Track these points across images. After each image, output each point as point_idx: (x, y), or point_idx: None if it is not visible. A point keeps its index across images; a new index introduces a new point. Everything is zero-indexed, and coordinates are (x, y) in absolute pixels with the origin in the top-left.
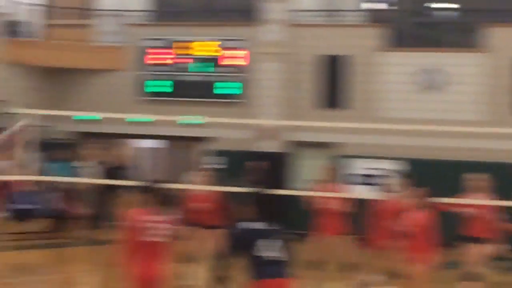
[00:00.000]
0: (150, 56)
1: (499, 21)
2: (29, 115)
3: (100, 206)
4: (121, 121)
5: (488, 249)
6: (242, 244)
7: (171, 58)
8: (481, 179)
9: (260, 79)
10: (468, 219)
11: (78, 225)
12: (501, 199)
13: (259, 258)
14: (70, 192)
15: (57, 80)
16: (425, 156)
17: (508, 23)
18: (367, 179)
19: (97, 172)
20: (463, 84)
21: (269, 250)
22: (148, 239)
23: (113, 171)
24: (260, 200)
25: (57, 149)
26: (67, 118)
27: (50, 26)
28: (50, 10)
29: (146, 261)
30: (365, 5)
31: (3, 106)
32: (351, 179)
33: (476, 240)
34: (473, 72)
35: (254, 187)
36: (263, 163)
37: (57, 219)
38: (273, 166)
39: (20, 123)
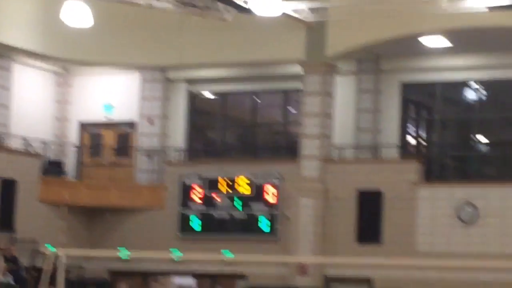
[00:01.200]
0: (186, 194)
1: None
2: (61, 254)
3: None
4: (156, 258)
5: None
6: None
7: (207, 195)
8: None
9: (295, 215)
10: None
11: None
12: None
13: None
14: None
15: (93, 219)
16: None
17: None
18: None
19: None
20: (502, 217)
21: None
22: None
23: None
24: None
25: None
26: (101, 257)
27: (87, 165)
28: (87, 149)
29: None
30: (402, 139)
31: (35, 245)
32: None
33: None
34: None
35: None
36: None
37: None
38: None
39: (51, 262)
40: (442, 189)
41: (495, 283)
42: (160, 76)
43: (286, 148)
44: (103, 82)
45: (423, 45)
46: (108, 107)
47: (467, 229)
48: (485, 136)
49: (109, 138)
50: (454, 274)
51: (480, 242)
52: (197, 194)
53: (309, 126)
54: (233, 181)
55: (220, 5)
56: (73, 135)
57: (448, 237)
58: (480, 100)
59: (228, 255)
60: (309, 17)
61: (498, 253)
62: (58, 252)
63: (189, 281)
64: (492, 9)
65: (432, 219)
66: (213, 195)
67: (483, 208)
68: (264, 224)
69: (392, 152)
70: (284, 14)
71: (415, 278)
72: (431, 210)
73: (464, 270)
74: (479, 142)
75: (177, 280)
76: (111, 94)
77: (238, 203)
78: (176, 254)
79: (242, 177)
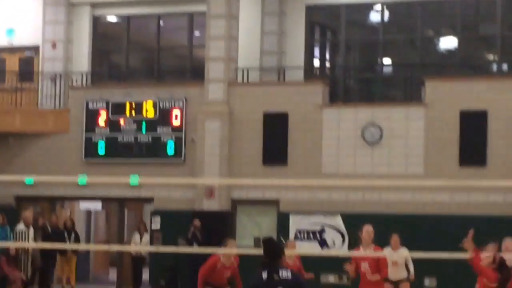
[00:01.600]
0: (91, 118)
1: (440, 75)
2: None
3: (40, 269)
4: (62, 183)
5: None
6: None
7: (112, 120)
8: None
9: (201, 138)
10: None
11: None
12: None
13: None
14: (9, 256)
15: None
16: (369, 210)
17: (449, 76)
18: (312, 235)
19: (36, 236)
20: (406, 138)
21: None
22: None
23: (53, 234)
24: None
25: None
26: (7, 182)
27: None
28: None
29: None
30: (307, 62)
31: None
32: (296, 235)
33: None
34: (416, 125)
35: (190, 245)
36: (197, 221)
37: None
38: (216, 224)
39: None
40: (347, 111)
41: (399, 202)
42: None
43: (191, 71)
44: (5, 6)
45: None
46: (10, 31)
47: (372, 150)
48: (390, 58)
49: (11, 63)
50: (360, 194)
51: (384, 162)
52: (102, 118)
53: (214, 49)
54: (138, 105)
55: None
56: None
57: (353, 158)
58: (384, 22)
59: (134, 179)
60: None
61: (402, 173)
62: None
63: (96, 205)
64: None
65: (337, 141)
66: (118, 119)
67: (388, 129)
68: (170, 147)
69: (298, 75)
70: None
71: (321, 199)
72: (336, 131)
73: (369, 190)
74: (384, 64)
75: (84, 205)
76: (13, 18)
77: (143, 127)
78: (82, 180)
79: (147, 100)
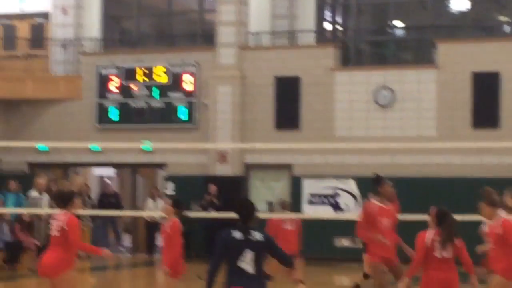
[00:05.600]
0: (103, 84)
1: (452, 37)
2: None
3: None
4: (75, 150)
5: None
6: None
7: (124, 85)
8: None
9: (214, 103)
10: None
11: (32, 256)
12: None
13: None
14: (23, 223)
15: (10, 112)
16: (382, 173)
17: (461, 38)
18: (325, 199)
19: (50, 203)
20: (418, 100)
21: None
22: None
23: None
24: None
25: (9, 180)
26: (20, 149)
27: (1, 58)
28: (0, 41)
29: None
30: (318, 25)
31: None
32: (309, 199)
33: None
34: (428, 88)
35: (206, 210)
36: (213, 186)
37: (10, 250)
38: (229, 189)
39: None
40: (359, 74)
41: (412, 165)
42: None
43: (203, 36)
44: None
45: None
46: None
47: (384, 113)
48: (401, 21)
49: (22, 30)
50: (372, 157)
51: (397, 125)
52: (114, 84)
53: (225, 13)
54: (150, 70)
55: None
56: None
57: (366, 122)
58: None
59: (147, 145)
60: None
61: (415, 135)
62: None
63: (109, 171)
64: None
65: (349, 104)
66: (130, 85)
67: (400, 91)
68: (182, 112)
69: (309, 38)
70: None
71: (334, 162)
72: (348, 95)
73: (382, 153)
74: (395, 26)
75: (97, 171)
76: None
77: (155, 93)
78: (95, 146)
79: (159, 66)
